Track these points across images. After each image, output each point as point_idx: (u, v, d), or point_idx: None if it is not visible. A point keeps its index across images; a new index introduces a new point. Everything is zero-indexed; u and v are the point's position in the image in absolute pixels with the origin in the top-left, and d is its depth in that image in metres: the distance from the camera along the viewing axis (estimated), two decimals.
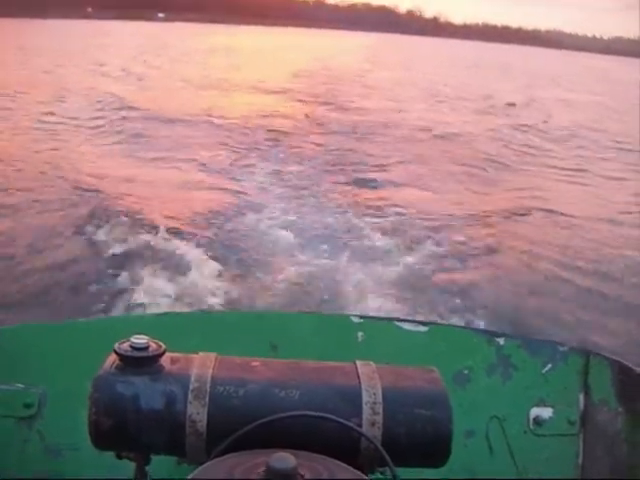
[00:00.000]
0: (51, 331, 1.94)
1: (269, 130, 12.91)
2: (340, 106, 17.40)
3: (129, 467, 1.21)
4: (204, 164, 9.93)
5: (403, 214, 7.86)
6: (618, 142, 14.57)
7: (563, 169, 11.64)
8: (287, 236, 6.83)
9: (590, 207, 9.16)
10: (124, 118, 13.30)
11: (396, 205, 8.19)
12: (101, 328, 1.87)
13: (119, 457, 1.18)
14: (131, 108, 14.33)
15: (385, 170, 10.30)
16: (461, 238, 7.15)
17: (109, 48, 30.70)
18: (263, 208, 7.74)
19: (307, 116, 15.21)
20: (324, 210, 7.92)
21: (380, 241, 6.88)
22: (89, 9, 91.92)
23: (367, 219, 7.54)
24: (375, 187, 9.27)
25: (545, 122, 16.13)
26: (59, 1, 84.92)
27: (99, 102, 15.15)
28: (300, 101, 18.15)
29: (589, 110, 20.16)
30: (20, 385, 1.83)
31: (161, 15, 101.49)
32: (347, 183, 9.34)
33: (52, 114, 13.44)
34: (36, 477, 1.77)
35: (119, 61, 26.24)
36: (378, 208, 8.06)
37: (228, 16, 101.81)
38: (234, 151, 11.05)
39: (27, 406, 1.80)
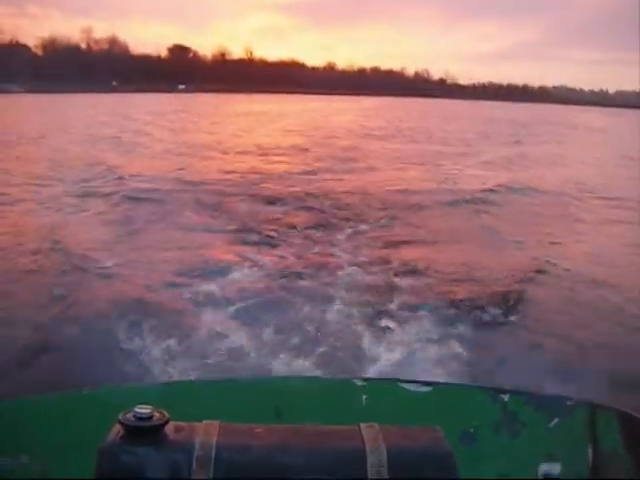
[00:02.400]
0: (55, 403, 1.92)
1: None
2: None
3: None
4: None
5: None
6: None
7: None
8: None
9: None
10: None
11: None
12: (105, 398, 1.84)
13: None
14: None
15: None
16: None
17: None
18: None
19: None
20: None
21: None
22: (114, 83, 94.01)
23: None
24: None
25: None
26: (85, 76, 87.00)
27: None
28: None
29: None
30: (24, 458, 1.80)
31: (181, 87, 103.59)
32: None
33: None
34: None
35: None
36: None
37: (243, 85, 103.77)
38: None
39: None
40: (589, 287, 7.02)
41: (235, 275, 6.92)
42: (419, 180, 14.72)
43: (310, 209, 10.77)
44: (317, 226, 9.51)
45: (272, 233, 8.92)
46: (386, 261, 7.61)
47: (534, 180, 14.57)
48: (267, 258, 7.60)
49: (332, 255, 7.94)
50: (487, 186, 13.44)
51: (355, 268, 7.26)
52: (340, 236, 8.99)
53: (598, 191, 13.86)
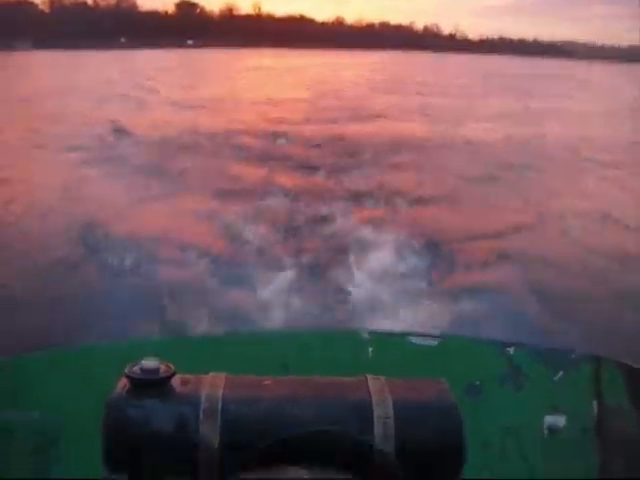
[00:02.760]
0: (64, 358, 1.93)
1: None
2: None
3: None
4: None
5: None
6: None
7: None
8: None
9: None
10: None
11: None
12: (113, 352, 1.85)
13: None
14: None
15: None
16: None
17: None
18: None
19: None
20: None
21: None
22: (122, 39, 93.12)
23: None
24: None
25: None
26: (92, 32, 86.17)
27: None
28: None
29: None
30: (35, 413, 1.82)
31: (190, 42, 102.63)
32: None
33: None
34: None
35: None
36: None
37: (251, 41, 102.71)
38: None
39: (42, 434, 1.80)
40: None
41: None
42: (418, 130, 14.99)
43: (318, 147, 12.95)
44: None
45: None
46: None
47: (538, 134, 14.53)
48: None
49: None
50: (489, 136, 13.68)
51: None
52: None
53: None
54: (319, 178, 10.46)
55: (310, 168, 10.98)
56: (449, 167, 11.31)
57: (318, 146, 13.05)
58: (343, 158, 11.79)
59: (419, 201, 9.12)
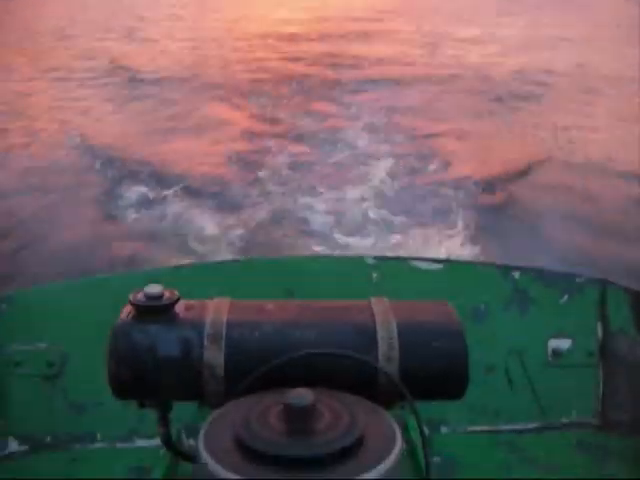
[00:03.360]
0: (69, 290, 1.93)
1: None
2: None
3: (152, 417, 1.19)
4: None
5: None
6: None
7: None
8: None
9: None
10: None
11: None
12: (117, 283, 1.85)
13: (141, 406, 1.16)
14: None
15: None
16: None
17: None
18: None
19: None
20: None
21: None
22: None
23: None
24: None
25: None
26: None
27: None
28: None
29: None
30: (42, 344, 1.83)
31: None
32: None
33: None
34: (61, 435, 1.79)
35: None
36: None
37: None
38: None
39: (49, 365, 1.81)
40: None
41: None
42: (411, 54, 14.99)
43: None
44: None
45: None
46: None
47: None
48: None
49: None
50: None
51: None
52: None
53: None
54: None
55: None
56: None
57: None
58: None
59: None
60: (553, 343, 1.87)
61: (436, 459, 1.65)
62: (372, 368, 1.06)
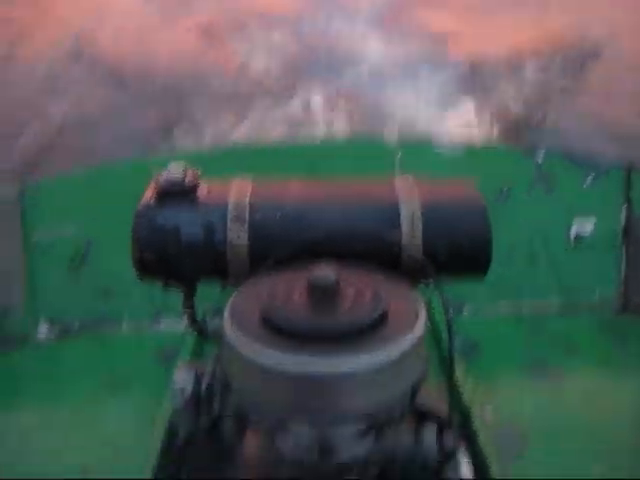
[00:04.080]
0: (93, 176, 1.93)
1: None
2: None
3: (177, 300, 1.20)
4: None
5: None
6: None
7: None
8: None
9: None
10: None
11: None
12: (139, 169, 1.84)
13: (166, 287, 1.17)
14: None
15: None
16: None
17: None
18: None
19: None
20: None
21: None
22: None
23: None
24: None
25: None
26: None
27: None
28: None
29: None
30: (68, 231, 1.84)
31: None
32: None
33: None
34: (89, 319, 1.82)
35: None
36: None
37: None
38: None
39: (76, 250, 1.82)
40: None
41: None
42: None
43: None
44: None
45: None
46: None
47: None
48: None
49: None
50: None
51: None
52: None
53: None
54: None
55: None
56: None
57: None
58: None
59: None
60: (577, 225, 1.86)
61: (458, 338, 1.66)
62: (396, 246, 1.05)
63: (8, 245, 1.79)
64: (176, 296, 1.21)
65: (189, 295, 1.18)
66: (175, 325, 1.76)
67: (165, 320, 1.81)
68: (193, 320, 1.22)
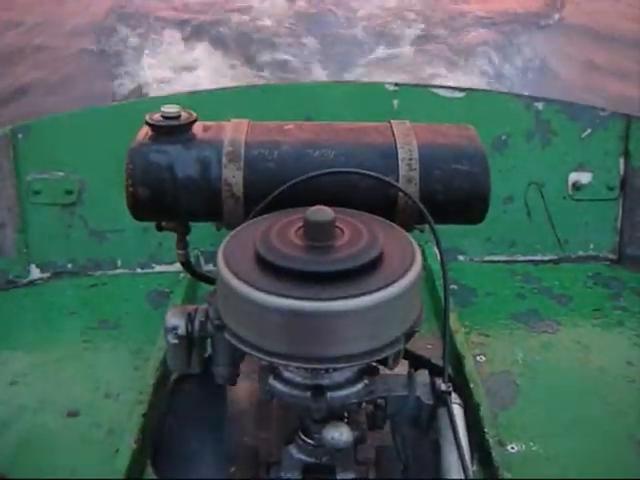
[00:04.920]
0: (85, 117, 1.89)
1: None
2: None
3: (171, 244, 1.19)
4: None
5: None
6: None
7: None
8: None
9: None
10: None
11: None
12: (133, 110, 1.80)
13: (159, 229, 1.15)
14: None
15: None
16: None
17: None
18: None
19: None
20: None
21: None
22: None
23: None
24: None
25: None
26: None
27: None
28: None
29: None
30: (59, 173, 1.81)
31: None
32: None
33: None
34: (82, 263, 1.81)
35: None
36: None
37: None
38: None
39: (68, 193, 1.79)
40: None
41: None
42: None
43: None
44: None
45: None
46: None
47: None
48: None
49: None
50: None
51: None
52: None
53: None
54: None
55: None
56: None
57: None
58: None
59: None
60: (574, 176, 1.84)
61: (453, 287, 1.66)
62: (392, 188, 1.03)
63: (0, 187, 1.77)
64: (170, 241, 1.19)
65: (182, 236, 1.17)
66: (169, 267, 1.76)
67: (159, 264, 1.80)
68: (186, 261, 1.21)
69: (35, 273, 1.79)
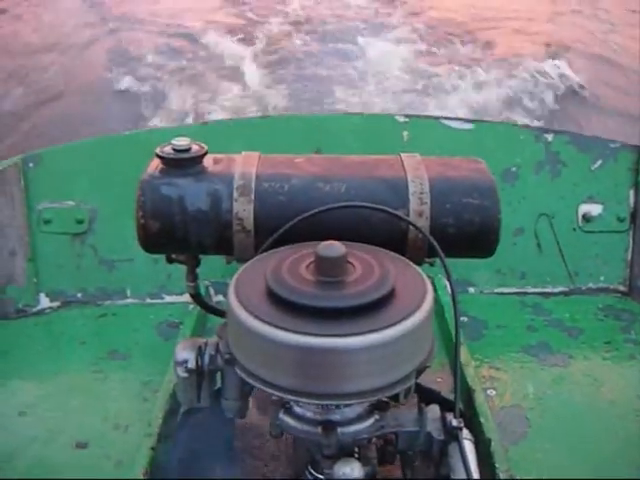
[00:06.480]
0: (96, 147, 1.90)
1: None
2: None
3: (181, 274, 1.19)
4: None
5: None
6: None
7: None
8: None
9: None
10: None
11: None
12: (144, 140, 1.81)
13: (170, 261, 1.15)
14: None
15: None
16: None
17: None
18: None
19: None
20: None
21: None
22: None
23: None
24: None
25: None
26: None
27: None
28: None
29: None
30: (70, 202, 1.81)
31: None
32: None
33: None
34: (91, 292, 1.81)
35: None
36: None
37: None
38: None
39: (79, 222, 1.80)
40: None
41: None
42: None
43: None
44: None
45: None
46: None
47: None
48: None
49: None
50: None
51: None
52: None
53: None
54: None
55: None
56: None
57: None
58: None
59: None
60: (584, 208, 1.83)
61: (463, 319, 1.65)
62: (403, 222, 1.03)
63: (11, 216, 1.77)
64: (180, 271, 1.19)
65: (192, 269, 1.17)
66: (178, 298, 1.75)
67: (168, 295, 1.80)
68: (196, 293, 1.20)
69: (45, 302, 1.79)
